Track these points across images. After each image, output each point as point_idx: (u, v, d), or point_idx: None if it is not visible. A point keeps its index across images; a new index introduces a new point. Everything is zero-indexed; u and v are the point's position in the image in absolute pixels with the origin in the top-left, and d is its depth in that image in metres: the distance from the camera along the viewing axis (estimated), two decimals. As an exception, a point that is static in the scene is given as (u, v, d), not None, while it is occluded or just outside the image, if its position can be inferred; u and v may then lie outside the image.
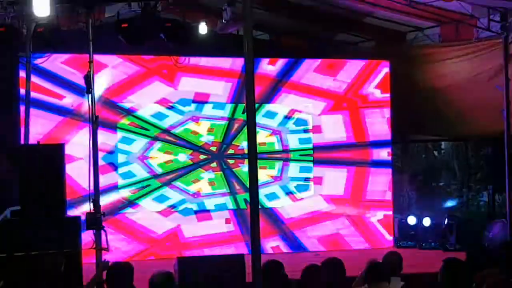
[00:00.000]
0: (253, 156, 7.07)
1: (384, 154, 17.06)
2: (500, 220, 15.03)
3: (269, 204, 16.19)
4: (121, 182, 15.46)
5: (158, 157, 15.69)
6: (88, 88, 11.32)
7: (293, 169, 16.63)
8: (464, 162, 19.70)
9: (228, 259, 11.61)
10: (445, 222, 16.38)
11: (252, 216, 6.98)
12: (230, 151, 16.00)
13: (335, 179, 16.68)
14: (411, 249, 15.68)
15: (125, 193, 15.48)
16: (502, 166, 14.85)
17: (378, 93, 16.84)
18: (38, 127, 14.53)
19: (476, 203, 18.39)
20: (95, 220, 10.99)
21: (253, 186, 6.96)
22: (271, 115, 16.34)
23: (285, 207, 16.49)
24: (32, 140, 13.52)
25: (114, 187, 15.41)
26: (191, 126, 15.87)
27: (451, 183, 19.67)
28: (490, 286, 7.12)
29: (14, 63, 14.21)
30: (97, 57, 13.04)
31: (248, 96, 6.99)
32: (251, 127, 6.91)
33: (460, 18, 14.63)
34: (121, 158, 15.48)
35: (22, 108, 13.98)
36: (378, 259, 8.76)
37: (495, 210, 16.79)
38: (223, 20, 14.26)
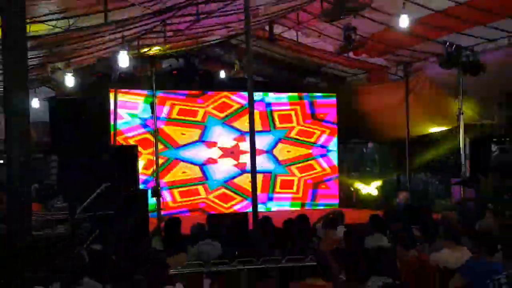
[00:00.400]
0: (253, 151, 7.86)
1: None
2: (403, 191, 14.99)
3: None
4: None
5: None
6: (152, 111, 12.26)
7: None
8: (382, 156, 20.17)
9: (238, 215, 11.76)
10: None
11: (253, 186, 7.68)
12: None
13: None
14: (350, 208, 15.59)
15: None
16: (404, 159, 15.48)
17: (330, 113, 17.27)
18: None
19: (389, 181, 18.37)
20: (157, 191, 11.89)
21: (253, 171, 7.66)
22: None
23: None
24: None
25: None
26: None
27: (374, 169, 20.25)
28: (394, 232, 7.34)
29: (106, 96, 14.35)
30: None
31: (250, 117, 7.60)
32: (252, 136, 7.62)
33: (378, 67, 15.15)
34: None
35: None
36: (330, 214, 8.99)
37: (400, 185, 17.11)
38: (235, 69, 14.53)
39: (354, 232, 7.42)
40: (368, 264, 4.72)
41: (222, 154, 16.12)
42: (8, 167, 5.26)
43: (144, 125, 14.72)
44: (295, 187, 17.17)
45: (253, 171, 7.72)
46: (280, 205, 16.75)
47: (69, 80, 11.62)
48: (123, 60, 10.71)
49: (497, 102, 10.83)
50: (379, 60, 14.62)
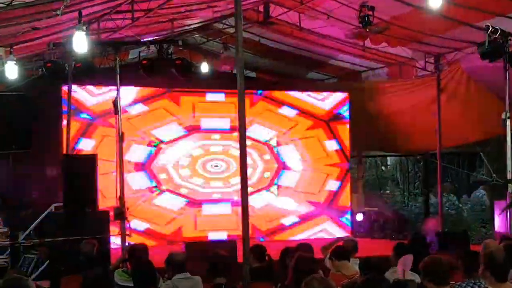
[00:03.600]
0: (244, 165, 7.66)
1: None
2: (433, 216, 15.58)
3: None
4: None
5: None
6: (115, 110, 12.13)
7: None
8: (405, 174, 20.66)
9: (224, 243, 12.01)
10: (391, 219, 17.08)
11: (243, 205, 7.66)
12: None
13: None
14: (364, 238, 15.40)
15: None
16: (434, 176, 15.53)
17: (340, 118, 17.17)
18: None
19: (414, 204, 18.81)
20: (121, 213, 11.22)
21: (244, 189, 7.66)
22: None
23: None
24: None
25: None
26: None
27: (395, 190, 20.62)
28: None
29: (58, 93, 14.35)
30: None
31: (240, 119, 7.60)
32: (242, 143, 7.60)
33: (403, 60, 15.21)
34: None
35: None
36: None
37: (429, 209, 17.38)
38: (220, 60, 14.70)
39: (372, 265, 7.42)
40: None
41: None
42: None
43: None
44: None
45: (244, 187, 7.75)
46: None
47: (11, 71, 11.53)
48: (80, 46, 10.55)
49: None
50: (404, 51, 14.64)
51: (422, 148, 16.95)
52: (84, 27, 10.46)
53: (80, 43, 10.47)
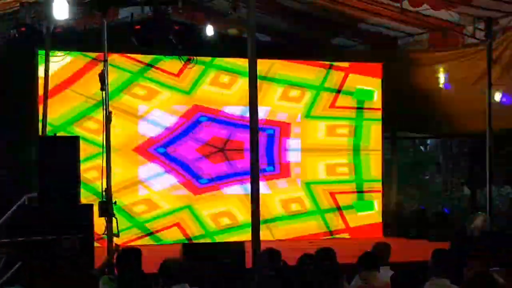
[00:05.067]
0: (255, 151, 7.63)
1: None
2: (481, 213, 15.06)
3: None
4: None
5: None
6: (102, 85, 12.08)
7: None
8: (449, 158, 20.49)
9: (229, 245, 11.95)
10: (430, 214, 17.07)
11: (253, 197, 7.48)
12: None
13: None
14: (396, 238, 15.43)
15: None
16: (483, 162, 15.18)
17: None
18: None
19: (458, 196, 18.82)
20: (107, 208, 11.16)
21: (254, 178, 7.50)
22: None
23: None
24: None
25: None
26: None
27: (436, 177, 20.53)
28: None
29: (33, 60, 14.31)
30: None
31: (251, 92, 7.52)
32: (254, 124, 7.51)
33: (448, 25, 15.04)
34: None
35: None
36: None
37: (476, 203, 17.26)
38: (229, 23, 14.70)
39: (408, 276, 7.56)
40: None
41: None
42: None
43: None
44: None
45: (255, 176, 7.74)
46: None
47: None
48: (61, 9, 10.69)
49: None
50: (448, 14, 14.51)
51: (468, 130, 16.87)
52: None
53: (61, 7, 10.59)
